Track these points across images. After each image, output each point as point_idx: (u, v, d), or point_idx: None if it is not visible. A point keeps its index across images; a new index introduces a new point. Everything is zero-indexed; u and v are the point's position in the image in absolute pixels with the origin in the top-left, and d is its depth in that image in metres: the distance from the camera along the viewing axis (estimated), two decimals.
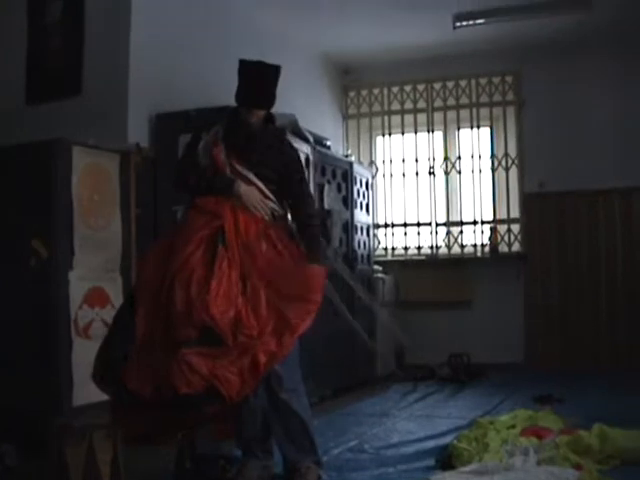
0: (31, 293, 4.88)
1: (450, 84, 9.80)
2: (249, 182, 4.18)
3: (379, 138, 10.27)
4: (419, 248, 9.82)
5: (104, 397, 4.01)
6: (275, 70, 4.25)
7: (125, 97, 5.98)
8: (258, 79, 4.22)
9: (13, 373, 4.82)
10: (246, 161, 4.23)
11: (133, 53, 6.02)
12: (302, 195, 4.46)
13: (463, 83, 9.75)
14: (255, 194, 4.16)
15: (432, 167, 9.82)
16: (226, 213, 4.05)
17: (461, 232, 9.67)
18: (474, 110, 9.70)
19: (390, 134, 10.08)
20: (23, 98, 6.32)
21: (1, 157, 5.09)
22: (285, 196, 4.40)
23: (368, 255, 8.82)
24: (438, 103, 9.87)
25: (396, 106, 10.07)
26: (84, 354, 4.69)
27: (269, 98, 4.27)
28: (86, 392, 4.60)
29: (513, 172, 9.52)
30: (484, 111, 9.70)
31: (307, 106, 8.46)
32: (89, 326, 4.97)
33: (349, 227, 8.22)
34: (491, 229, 9.48)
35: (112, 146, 5.38)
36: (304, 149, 6.93)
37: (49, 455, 4.39)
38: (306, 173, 4.88)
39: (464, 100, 9.76)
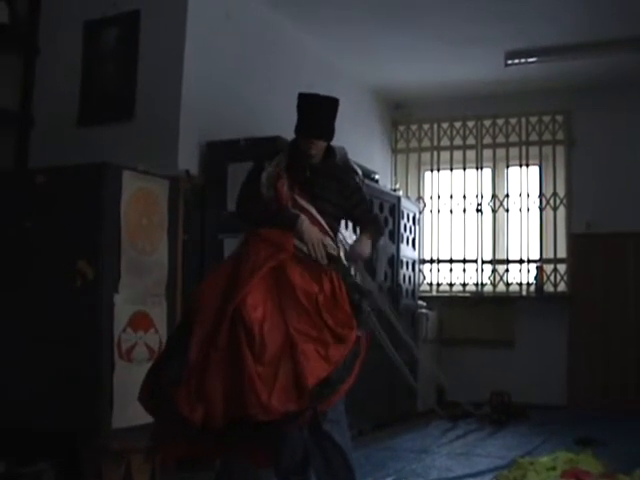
0: (75, 314, 4.88)
1: (500, 121, 9.79)
2: (311, 216, 4.15)
3: (427, 173, 10.26)
4: (464, 285, 9.78)
5: (144, 420, 3.98)
6: (333, 102, 4.25)
7: (176, 124, 6.04)
8: (316, 110, 4.22)
9: (54, 392, 4.83)
10: (308, 194, 4.21)
11: (185, 81, 6.09)
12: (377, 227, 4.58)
13: (513, 121, 9.74)
14: (317, 234, 4.10)
15: (480, 204, 9.81)
16: (292, 246, 4.02)
17: (507, 270, 9.62)
18: (523, 148, 9.68)
19: (439, 170, 10.08)
20: (75, 119, 6.40)
21: (51, 177, 5.12)
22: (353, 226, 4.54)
23: (413, 290, 8.80)
24: (487, 140, 9.88)
25: (445, 142, 10.08)
26: (125, 377, 4.72)
27: (328, 129, 4.24)
28: (126, 415, 4.62)
29: (561, 212, 9.47)
30: (533, 149, 9.66)
31: (356, 139, 8.48)
32: (132, 349, 4.97)
33: (395, 261, 8.21)
34: (537, 268, 9.40)
35: (162, 172, 5.42)
36: None
37: (85, 476, 4.42)
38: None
39: (514, 138, 9.75)
